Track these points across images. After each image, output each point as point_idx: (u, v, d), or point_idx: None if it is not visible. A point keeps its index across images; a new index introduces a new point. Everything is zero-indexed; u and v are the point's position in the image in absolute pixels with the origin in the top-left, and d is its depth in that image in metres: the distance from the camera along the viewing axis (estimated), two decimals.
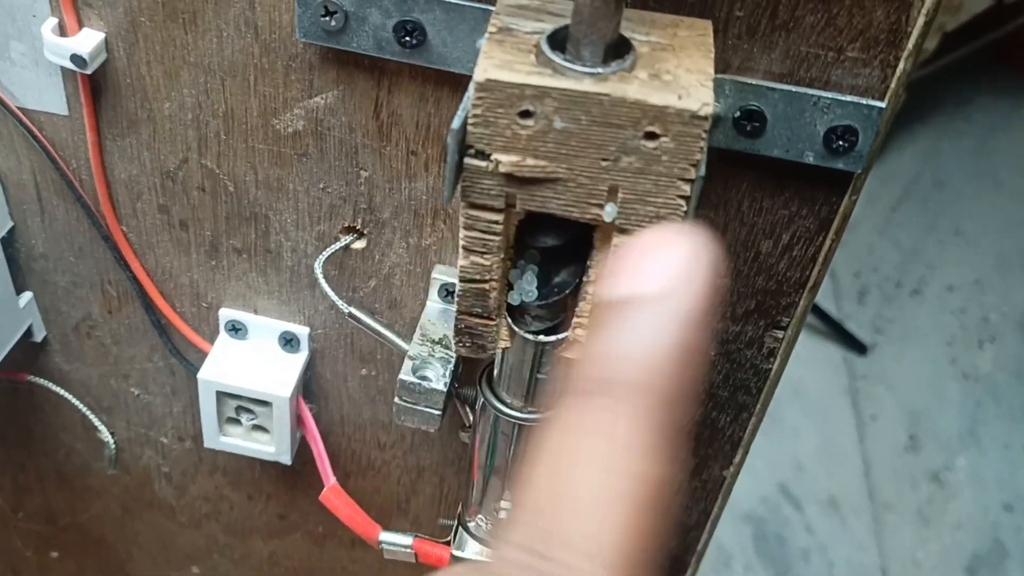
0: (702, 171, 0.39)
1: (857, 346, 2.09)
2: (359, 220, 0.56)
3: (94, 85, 0.54)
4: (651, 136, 0.39)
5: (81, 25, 0.52)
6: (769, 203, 0.50)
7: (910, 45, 0.44)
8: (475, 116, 0.39)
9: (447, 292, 0.57)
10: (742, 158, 0.48)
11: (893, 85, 0.45)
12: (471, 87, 0.39)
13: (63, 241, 0.62)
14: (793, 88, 0.46)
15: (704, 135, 0.39)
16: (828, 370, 2.05)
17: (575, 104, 0.39)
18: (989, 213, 2.48)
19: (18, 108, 0.56)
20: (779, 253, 0.52)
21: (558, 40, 0.40)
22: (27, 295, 0.66)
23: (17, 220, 0.62)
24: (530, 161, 0.40)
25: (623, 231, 0.41)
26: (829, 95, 0.45)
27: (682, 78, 0.39)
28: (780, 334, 0.55)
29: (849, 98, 0.45)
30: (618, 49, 0.40)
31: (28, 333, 0.66)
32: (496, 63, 0.39)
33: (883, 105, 0.45)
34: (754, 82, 0.46)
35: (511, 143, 0.40)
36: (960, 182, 2.55)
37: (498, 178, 0.41)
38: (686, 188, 0.40)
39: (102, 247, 0.62)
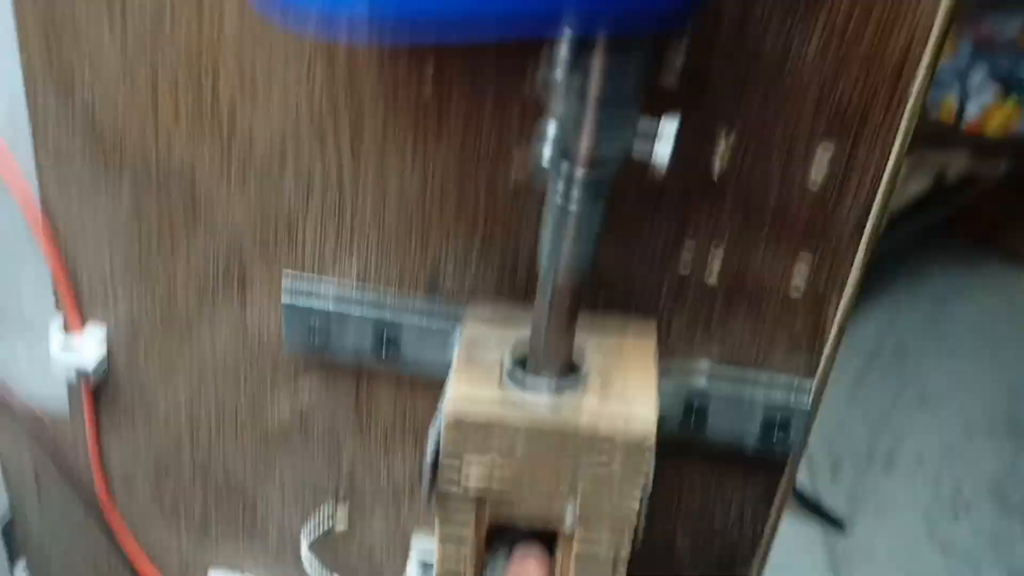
0: (651, 483, 0.43)
1: (835, 522, 2.10)
2: (342, 499, 0.60)
3: (95, 386, 0.58)
4: (603, 458, 0.43)
5: (86, 337, 0.56)
6: (717, 479, 0.54)
7: (831, 339, 0.49)
8: (445, 446, 0.43)
9: (425, 566, 0.60)
10: (690, 444, 0.52)
11: (819, 374, 0.50)
12: (441, 418, 0.43)
13: (59, 521, 0.65)
14: (731, 383, 0.50)
15: (650, 455, 0.43)
16: (809, 550, 2.05)
17: (534, 433, 0.43)
18: (951, 379, 2.55)
19: (24, 408, 0.60)
20: (731, 522, 0.56)
21: (519, 361, 0.45)
22: (21, 566, 0.68)
23: (15, 502, 0.65)
24: (495, 482, 0.44)
25: (584, 535, 0.45)
26: (763, 388, 0.50)
27: (629, 400, 0.44)
28: None
29: (781, 391, 0.50)
30: (572, 366, 0.45)
31: None
32: (463, 397, 0.44)
33: (807, 407, 0.50)
34: (695, 376, 0.51)
35: (478, 466, 0.44)
36: (921, 350, 2.62)
37: (467, 496, 0.44)
38: (637, 499, 0.44)
39: (96, 527, 0.64)
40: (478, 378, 0.45)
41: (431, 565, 0.59)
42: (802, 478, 2.18)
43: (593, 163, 0.39)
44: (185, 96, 0.48)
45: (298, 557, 0.62)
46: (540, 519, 0.45)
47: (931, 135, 2.17)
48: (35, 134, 0.51)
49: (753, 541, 0.55)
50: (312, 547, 0.61)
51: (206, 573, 0.66)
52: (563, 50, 0.36)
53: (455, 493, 0.44)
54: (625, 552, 0.44)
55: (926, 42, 0.42)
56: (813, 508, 2.10)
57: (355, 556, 0.62)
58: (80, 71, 0.49)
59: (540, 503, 0.44)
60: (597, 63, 0.36)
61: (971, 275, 2.86)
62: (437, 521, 0.45)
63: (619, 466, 0.43)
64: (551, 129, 0.38)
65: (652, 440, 0.42)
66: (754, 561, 0.56)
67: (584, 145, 0.38)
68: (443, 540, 0.46)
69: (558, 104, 0.38)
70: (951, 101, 2.14)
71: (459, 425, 0.43)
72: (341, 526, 0.60)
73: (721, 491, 0.54)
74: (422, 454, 0.45)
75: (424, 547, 0.60)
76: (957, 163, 2.36)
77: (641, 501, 0.43)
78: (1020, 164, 2.19)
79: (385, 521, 0.60)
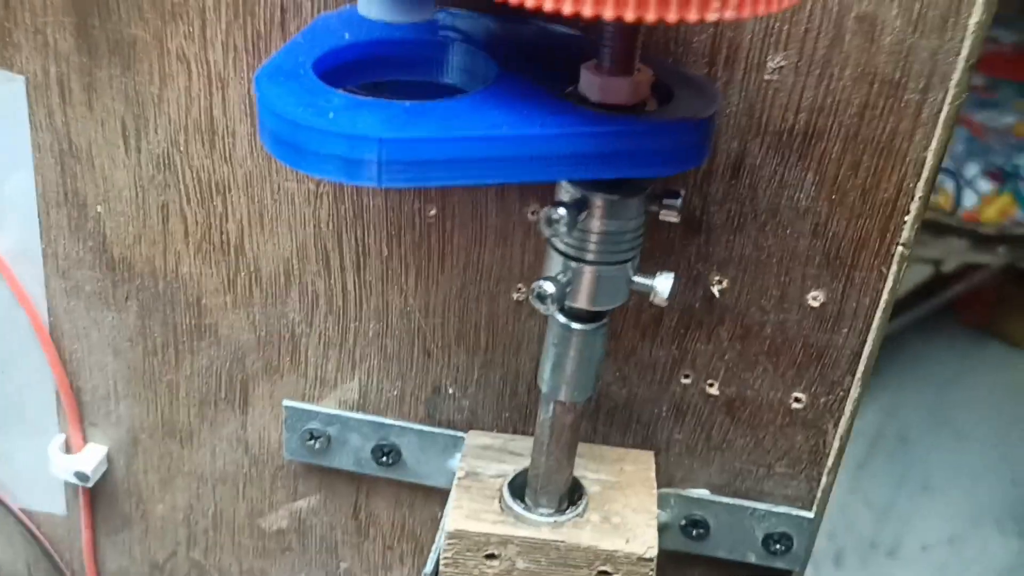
0: None
1: None
2: None
3: (93, 491, 0.59)
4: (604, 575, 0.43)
5: (86, 442, 0.57)
6: None
7: (830, 462, 0.50)
8: (446, 559, 0.44)
9: None
10: (692, 557, 0.52)
11: (819, 496, 0.50)
12: (442, 535, 0.44)
13: None
14: (731, 500, 0.51)
15: (651, 572, 0.43)
16: None
17: (535, 549, 0.43)
18: (955, 467, 2.53)
19: (19, 509, 0.60)
20: None
21: (518, 486, 0.45)
22: None
23: None
24: None
25: None
26: (764, 506, 0.51)
27: (629, 519, 0.44)
28: None
29: (782, 509, 0.50)
30: (571, 494, 0.45)
31: None
32: (464, 512, 0.44)
33: (811, 516, 0.50)
34: (696, 495, 0.51)
35: None
36: (923, 436, 2.60)
37: None
38: None
39: None
40: (479, 498, 0.45)
41: None
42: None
43: (592, 313, 0.40)
44: (194, 219, 0.50)
45: None
46: None
47: (929, 224, 2.19)
48: (45, 251, 0.52)
49: None
50: None
51: None
52: (558, 209, 0.37)
53: None
54: None
55: (918, 178, 0.44)
56: None
57: None
58: (93, 193, 0.50)
59: None
60: (594, 219, 0.37)
61: (973, 362, 2.85)
62: None
63: None
64: (547, 285, 0.39)
65: (654, 556, 0.42)
66: None
67: (582, 299, 0.39)
68: None
69: (554, 260, 0.39)
70: (948, 190, 2.17)
71: (460, 536, 0.43)
72: None
73: None
74: (422, 567, 0.45)
75: None
76: (956, 251, 2.37)
77: None
78: (1019, 253, 2.20)
79: None
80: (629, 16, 0.27)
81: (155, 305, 0.52)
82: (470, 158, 0.33)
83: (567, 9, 0.27)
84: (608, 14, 0.27)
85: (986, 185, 2.05)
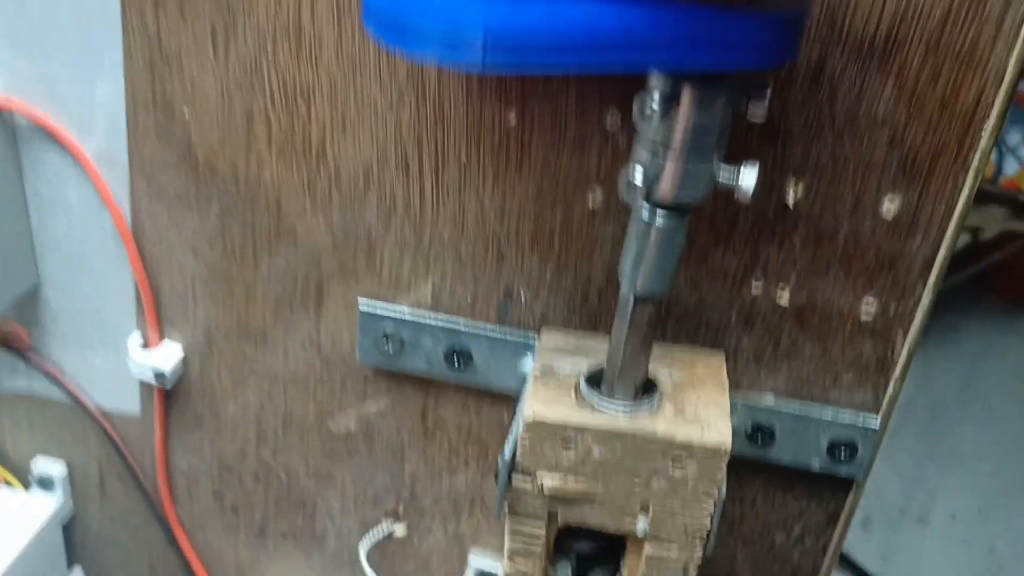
0: (724, 492, 0.45)
1: None
2: (401, 508, 0.61)
3: (168, 390, 0.60)
4: (678, 465, 0.44)
5: (164, 347, 0.58)
6: (781, 499, 0.55)
7: (897, 372, 0.50)
8: (524, 446, 0.45)
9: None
10: (755, 463, 0.53)
11: (885, 405, 0.51)
12: (519, 422, 0.45)
13: (118, 522, 0.67)
14: (797, 407, 0.52)
15: (725, 463, 0.44)
16: None
17: (611, 437, 0.45)
18: (985, 439, 2.52)
19: (95, 408, 0.62)
20: (792, 544, 0.56)
21: (594, 379, 0.47)
22: (77, 570, 0.69)
23: (77, 502, 0.67)
24: (571, 484, 0.45)
25: (655, 540, 0.46)
26: (830, 414, 0.51)
27: (702, 413, 0.45)
28: None
29: (847, 417, 0.51)
30: (646, 386, 0.46)
31: None
32: (542, 402, 0.45)
33: (876, 425, 0.51)
34: (763, 402, 0.52)
35: (554, 468, 0.45)
36: (954, 408, 2.60)
37: (542, 497, 0.46)
38: (710, 506, 0.45)
39: (155, 528, 0.66)
40: (556, 389, 0.46)
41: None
42: None
43: (676, 204, 0.41)
44: (278, 122, 0.51)
45: (354, 565, 0.64)
46: (612, 524, 0.46)
47: None
48: (131, 154, 0.54)
49: (814, 566, 0.56)
50: (369, 556, 0.62)
51: None
52: (652, 97, 0.38)
53: (529, 495, 0.45)
54: (697, 559, 0.45)
55: (998, 88, 0.44)
56: (844, 562, 2.07)
57: (411, 567, 0.63)
58: (180, 97, 0.51)
59: (613, 508, 0.45)
60: (684, 110, 0.38)
61: (1007, 333, 2.84)
62: (508, 522, 0.46)
63: (694, 473, 0.44)
64: (636, 172, 0.40)
65: (728, 446, 0.43)
66: None
67: (666, 189, 0.40)
68: (513, 542, 0.47)
69: (643, 150, 0.40)
70: (990, 158, 2.15)
71: (538, 427, 0.44)
72: (400, 533, 0.61)
73: (784, 513, 0.55)
74: (487, 471, 0.46)
75: (481, 564, 0.61)
76: (995, 219, 2.35)
77: (714, 509, 0.44)
78: None
79: (444, 533, 0.61)
80: None
81: (235, 208, 0.54)
82: (573, 41, 0.34)
83: None
84: None
85: None
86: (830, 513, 0.55)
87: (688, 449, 0.44)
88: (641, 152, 0.40)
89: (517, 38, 0.35)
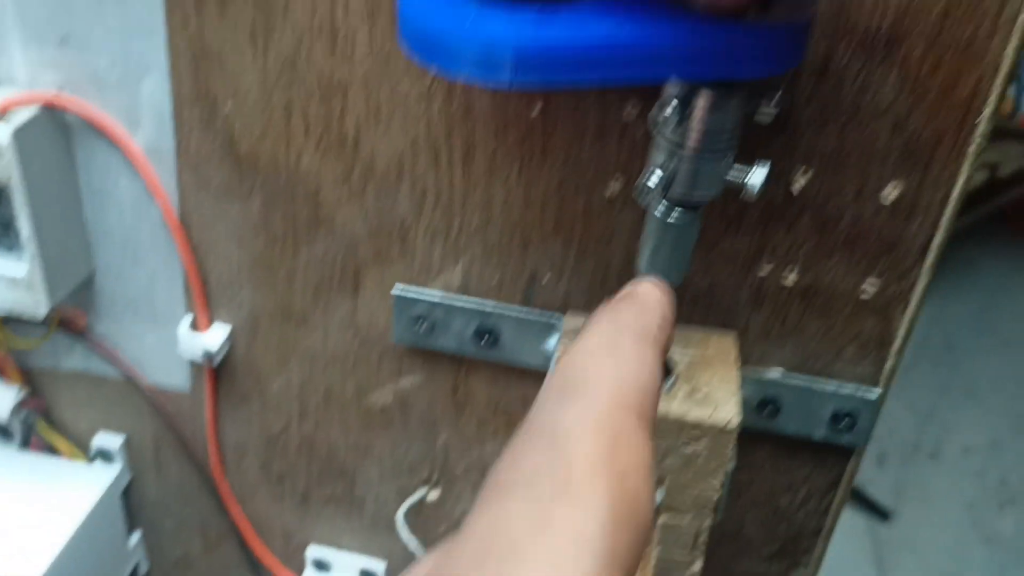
0: (732, 465, 0.49)
1: (880, 512, 2.13)
2: (435, 476, 0.66)
3: (216, 369, 0.65)
4: (691, 443, 0.48)
5: (211, 323, 0.63)
6: (786, 466, 0.59)
7: (896, 346, 0.54)
8: None
9: None
10: (763, 432, 0.57)
11: (884, 376, 0.55)
12: None
13: (173, 491, 0.72)
14: (802, 380, 0.55)
15: (733, 441, 0.48)
16: (853, 539, 2.08)
17: None
18: (999, 374, 2.55)
19: (148, 385, 0.67)
20: (796, 506, 0.61)
21: None
22: (136, 535, 0.75)
23: (134, 473, 0.72)
24: None
25: (669, 510, 0.50)
26: (832, 386, 0.55)
27: (714, 393, 0.49)
28: (802, 571, 0.63)
29: (849, 389, 0.55)
30: (663, 369, 0.50)
31: (134, 570, 0.75)
32: None
33: (876, 397, 0.55)
34: (769, 376, 0.56)
35: None
36: (969, 343, 2.63)
37: None
38: (719, 479, 0.49)
39: (207, 496, 0.71)
40: None
41: None
42: None
43: (691, 201, 0.44)
44: (316, 116, 0.54)
45: (391, 528, 0.68)
46: None
47: None
48: (178, 148, 0.57)
49: (817, 526, 0.60)
50: (406, 518, 0.67)
51: (304, 543, 0.72)
52: (669, 104, 0.41)
53: None
54: (707, 526, 0.49)
55: (994, 79, 0.47)
56: (858, 497, 2.13)
57: (444, 528, 0.67)
58: (223, 93, 0.55)
59: None
60: (699, 114, 0.41)
61: (1021, 270, 2.85)
62: None
63: (705, 450, 0.48)
64: (653, 176, 0.43)
65: (736, 425, 0.47)
66: (817, 544, 0.61)
67: (681, 189, 0.43)
68: None
69: (659, 153, 0.43)
70: (1008, 93, 2.14)
71: None
72: (433, 498, 0.66)
73: (790, 478, 0.59)
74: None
75: None
76: (1011, 157, 2.36)
77: (724, 482, 0.48)
78: None
79: (474, 498, 0.65)
80: None
81: (277, 198, 0.57)
82: (596, 57, 0.37)
83: None
84: None
85: None
86: (832, 478, 0.59)
87: (700, 428, 0.48)
88: (658, 155, 0.44)
89: (544, 58, 0.38)
